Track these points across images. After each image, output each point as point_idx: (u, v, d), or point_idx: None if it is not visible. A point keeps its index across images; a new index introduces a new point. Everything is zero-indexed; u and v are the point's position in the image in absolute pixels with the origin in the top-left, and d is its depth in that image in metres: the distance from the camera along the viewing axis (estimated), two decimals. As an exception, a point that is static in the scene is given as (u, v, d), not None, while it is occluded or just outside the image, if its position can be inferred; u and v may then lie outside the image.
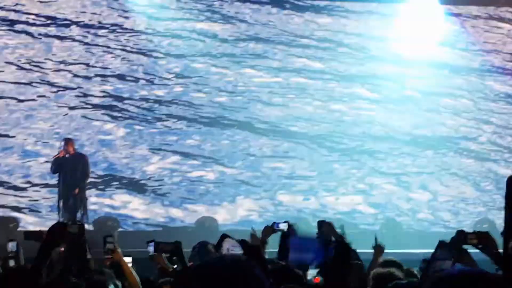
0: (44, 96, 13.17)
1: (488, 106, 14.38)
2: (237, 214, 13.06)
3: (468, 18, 14.82)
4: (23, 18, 13.45)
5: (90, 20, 13.68)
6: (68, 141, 11.11)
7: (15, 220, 12.04)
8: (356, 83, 14.10)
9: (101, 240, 5.39)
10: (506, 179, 3.40)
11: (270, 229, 5.96)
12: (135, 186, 12.94)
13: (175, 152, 13.26)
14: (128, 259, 5.24)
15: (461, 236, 4.52)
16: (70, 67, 13.36)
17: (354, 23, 14.42)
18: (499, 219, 13.54)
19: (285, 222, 5.97)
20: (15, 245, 5.78)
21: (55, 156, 11.15)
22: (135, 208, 12.83)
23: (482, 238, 4.51)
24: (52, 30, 13.53)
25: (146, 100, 13.45)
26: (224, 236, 5.08)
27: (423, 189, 13.72)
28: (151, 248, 5.20)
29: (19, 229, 11.66)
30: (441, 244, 4.37)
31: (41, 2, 13.62)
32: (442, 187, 13.80)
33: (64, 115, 13.11)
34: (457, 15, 14.73)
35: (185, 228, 12.52)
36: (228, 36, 14.00)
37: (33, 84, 13.20)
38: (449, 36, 14.57)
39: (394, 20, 14.37)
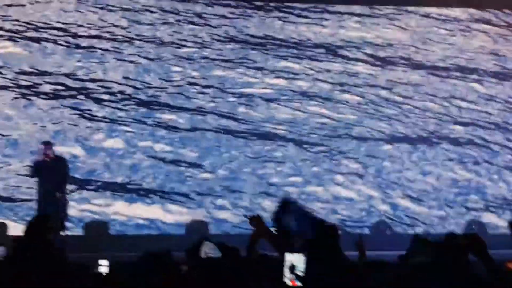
0: (26, 98, 13.16)
1: (472, 108, 14.43)
2: (221, 218, 13.09)
3: (450, 19, 14.89)
4: (6, 25, 13.43)
5: (72, 26, 13.66)
6: (47, 145, 11.05)
7: (4, 225, 12.03)
8: (338, 85, 14.13)
9: (91, 244, 5.41)
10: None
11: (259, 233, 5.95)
12: (118, 190, 12.93)
13: (157, 157, 13.27)
14: (104, 262, 5.22)
15: (450, 239, 4.54)
16: (51, 71, 13.34)
17: (335, 24, 14.46)
18: (488, 221, 13.65)
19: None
20: (2, 250, 5.81)
21: (33, 160, 11.11)
22: (119, 212, 12.84)
23: (471, 240, 4.52)
24: (34, 35, 13.52)
25: (128, 103, 13.45)
26: (202, 240, 5.08)
27: (409, 192, 13.76)
28: None
29: (8, 233, 11.68)
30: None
31: (21, 5, 13.58)
32: (429, 188, 13.84)
33: (45, 119, 13.13)
34: (439, 16, 14.81)
35: (176, 231, 12.58)
36: (210, 39, 14.01)
37: (13, 88, 13.19)
38: (432, 38, 14.64)
39: (376, 22, 14.47)
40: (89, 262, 5.25)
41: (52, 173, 10.84)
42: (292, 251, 5.29)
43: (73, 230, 12.01)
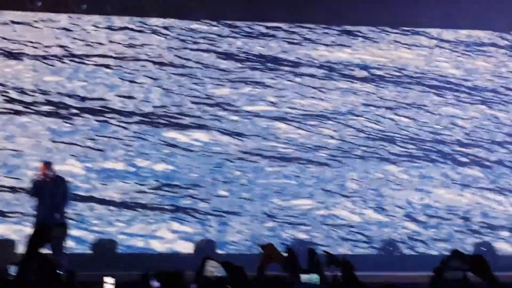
0: (29, 116, 13.16)
1: (477, 129, 14.38)
2: (224, 237, 13.04)
3: (455, 41, 14.90)
4: (12, 43, 13.46)
5: (77, 45, 13.66)
6: (46, 164, 11.01)
7: (12, 243, 11.98)
8: (342, 105, 14.11)
9: (99, 262, 5.37)
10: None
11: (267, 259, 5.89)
12: (118, 208, 12.87)
13: (158, 176, 13.23)
14: (110, 280, 5.17)
15: (454, 258, 4.49)
16: (55, 90, 13.32)
17: (340, 44, 14.47)
18: (496, 242, 13.58)
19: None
20: (14, 268, 5.76)
21: (34, 179, 11.04)
22: (120, 231, 12.78)
23: (476, 261, 4.48)
24: (39, 53, 13.53)
25: (130, 122, 13.43)
26: (206, 258, 5.02)
27: (414, 213, 13.69)
28: (155, 284, 5.10)
29: (16, 251, 11.66)
30: (456, 254, 4.33)
31: (27, 24, 13.60)
32: (434, 210, 13.78)
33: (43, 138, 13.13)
34: (445, 37, 14.83)
35: (179, 250, 12.54)
36: (215, 58, 14.00)
37: (16, 106, 13.16)
38: (437, 59, 14.66)
39: (382, 43, 14.50)
40: (96, 280, 5.21)
41: (52, 193, 10.77)
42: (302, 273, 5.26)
43: (74, 249, 11.94)
